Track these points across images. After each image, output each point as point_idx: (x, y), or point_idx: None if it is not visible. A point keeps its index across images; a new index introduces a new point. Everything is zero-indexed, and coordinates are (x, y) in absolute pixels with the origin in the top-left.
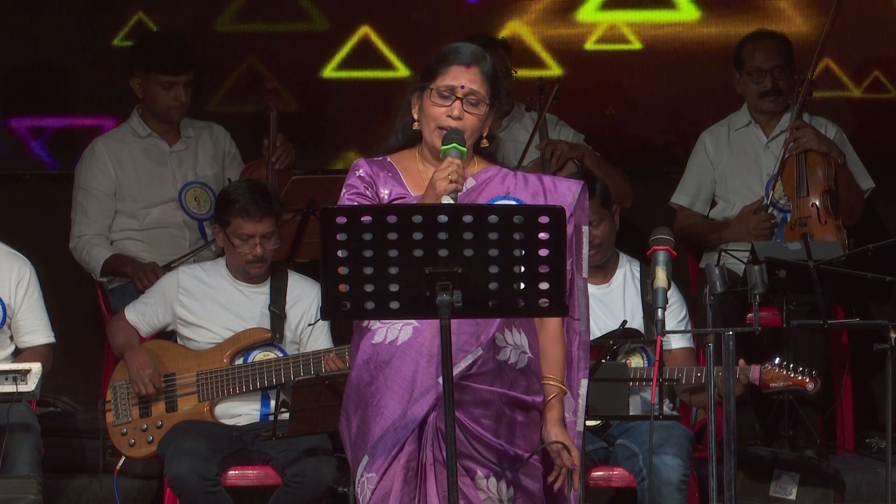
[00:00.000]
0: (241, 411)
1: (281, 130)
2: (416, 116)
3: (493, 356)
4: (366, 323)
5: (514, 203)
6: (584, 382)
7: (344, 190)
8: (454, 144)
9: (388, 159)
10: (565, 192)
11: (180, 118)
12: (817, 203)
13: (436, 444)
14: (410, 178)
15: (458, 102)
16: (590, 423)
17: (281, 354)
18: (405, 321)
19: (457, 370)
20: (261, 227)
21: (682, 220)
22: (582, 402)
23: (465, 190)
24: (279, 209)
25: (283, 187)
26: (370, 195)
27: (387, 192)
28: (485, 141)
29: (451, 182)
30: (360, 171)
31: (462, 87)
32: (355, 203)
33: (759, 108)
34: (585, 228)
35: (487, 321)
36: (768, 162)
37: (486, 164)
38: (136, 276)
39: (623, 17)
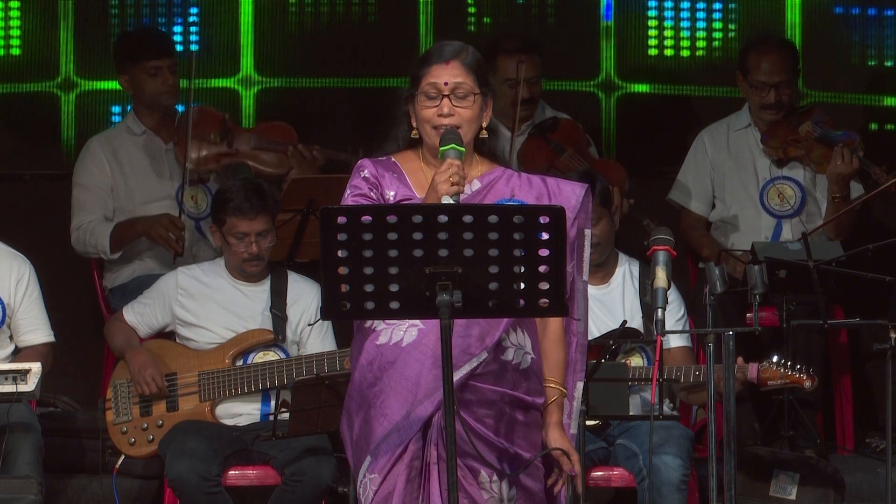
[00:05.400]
0: (241, 411)
1: None
2: (414, 125)
3: (496, 356)
4: (369, 324)
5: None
6: (580, 385)
7: (348, 191)
8: (452, 145)
9: (393, 159)
10: (569, 194)
11: (173, 103)
12: None
13: (440, 443)
14: (415, 179)
15: (445, 100)
16: (589, 422)
17: (282, 355)
18: (410, 323)
19: (461, 373)
20: (255, 224)
21: (687, 223)
22: (577, 404)
23: (470, 192)
24: (274, 207)
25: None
26: (374, 196)
27: (392, 193)
28: (484, 132)
29: (452, 184)
30: (365, 171)
31: (445, 83)
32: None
33: (760, 117)
34: (588, 232)
35: (493, 324)
36: (764, 165)
37: (489, 166)
38: (153, 231)
39: None
